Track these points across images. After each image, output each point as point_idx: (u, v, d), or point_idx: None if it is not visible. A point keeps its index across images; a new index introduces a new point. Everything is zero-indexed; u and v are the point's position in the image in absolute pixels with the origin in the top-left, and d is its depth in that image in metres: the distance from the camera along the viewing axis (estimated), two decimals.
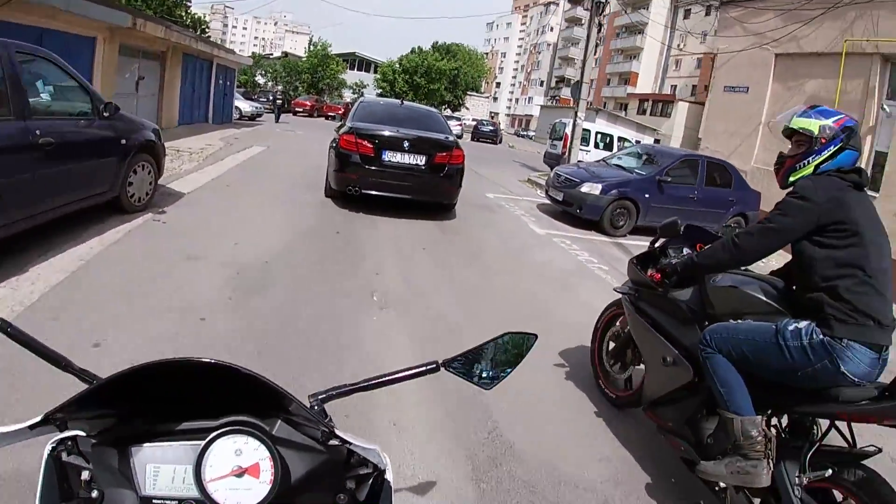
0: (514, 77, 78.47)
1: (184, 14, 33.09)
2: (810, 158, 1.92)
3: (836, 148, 1.88)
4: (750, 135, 11.59)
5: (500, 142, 33.18)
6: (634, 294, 2.56)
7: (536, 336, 0.88)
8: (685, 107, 36.58)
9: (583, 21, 58.68)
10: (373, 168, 6.30)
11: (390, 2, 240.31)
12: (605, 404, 2.88)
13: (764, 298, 2.04)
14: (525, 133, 52.07)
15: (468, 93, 43.39)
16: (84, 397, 0.64)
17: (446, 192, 6.71)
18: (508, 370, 0.85)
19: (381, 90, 40.96)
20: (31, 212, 3.55)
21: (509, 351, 0.85)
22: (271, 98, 27.28)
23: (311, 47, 44.57)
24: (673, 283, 2.29)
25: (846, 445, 1.79)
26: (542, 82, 66.09)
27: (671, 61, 46.25)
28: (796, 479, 1.75)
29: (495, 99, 77.49)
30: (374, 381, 0.80)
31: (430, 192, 6.59)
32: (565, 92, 59.66)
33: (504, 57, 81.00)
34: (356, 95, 39.66)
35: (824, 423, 1.85)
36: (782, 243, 1.93)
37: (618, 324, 2.91)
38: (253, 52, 72.73)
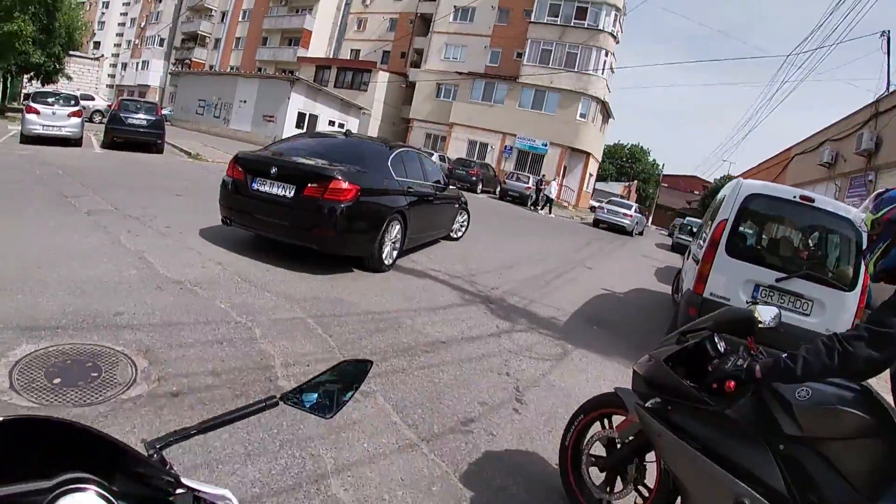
0: (121, 35, 56.59)
1: None
2: (867, 256, 1.69)
3: (886, 244, 1.61)
4: None
5: None
6: (665, 407, 1.91)
7: (372, 362, 0.96)
8: (385, 78, 32.68)
9: None
10: (241, 197, 5.43)
11: None
12: None
13: (869, 418, 1.55)
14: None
15: (70, 53, 26.00)
16: None
17: (317, 237, 5.18)
18: (347, 397, 0.88)
19: None
20: None
21: (346, 378, 0.89)
22: None
23: None
24: (745, 395, 1.71)
25: None
26: (161, 41, 48.59)
27: (351, 20, 38.38)
28: None
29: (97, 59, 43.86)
30: (213, 423, 0.80)
31: (298, 234, 5.25)
32: (199, 53, 46.64)
33: (106, 7, 57.41)
34: None
35: None
36: None
37: (605, 428, 2.32)
38: None
